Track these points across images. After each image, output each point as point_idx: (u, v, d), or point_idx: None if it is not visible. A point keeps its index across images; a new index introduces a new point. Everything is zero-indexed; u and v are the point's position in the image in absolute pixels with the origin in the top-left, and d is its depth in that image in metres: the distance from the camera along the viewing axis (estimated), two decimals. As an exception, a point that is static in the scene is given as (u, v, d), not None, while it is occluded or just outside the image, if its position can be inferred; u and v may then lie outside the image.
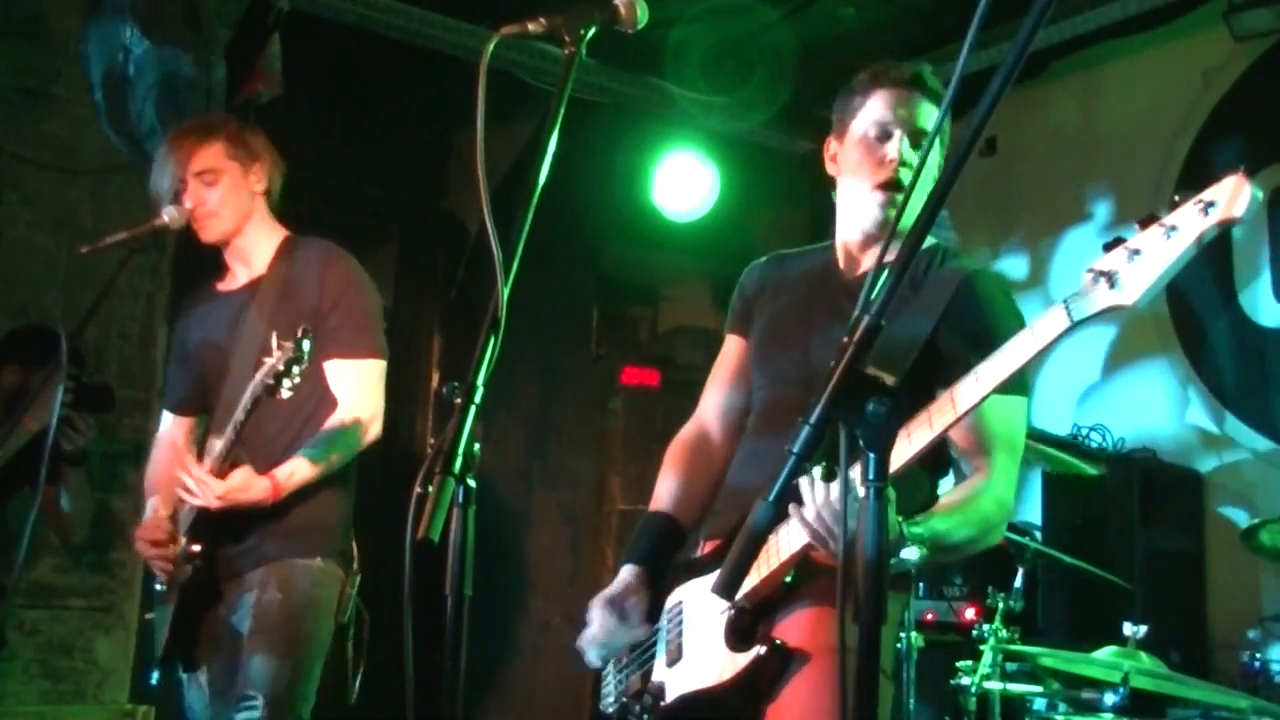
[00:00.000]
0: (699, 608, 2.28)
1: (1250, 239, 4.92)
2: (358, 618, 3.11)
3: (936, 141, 2.33)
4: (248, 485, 2.90)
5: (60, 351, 3.06)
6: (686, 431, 2.63)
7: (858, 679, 1.41)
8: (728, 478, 2.46)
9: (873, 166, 2.33)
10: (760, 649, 2.13)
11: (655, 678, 2.34)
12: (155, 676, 3.07)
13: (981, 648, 3.76)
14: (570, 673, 6.09)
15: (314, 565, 3.00)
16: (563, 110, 1.94)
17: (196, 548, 2.97)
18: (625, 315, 6.80)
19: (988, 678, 3.72)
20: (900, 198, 2.28)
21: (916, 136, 2.32)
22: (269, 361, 2.85)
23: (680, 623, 2.32)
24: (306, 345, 2.83)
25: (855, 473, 1.52)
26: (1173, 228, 1.49)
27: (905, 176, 2.29)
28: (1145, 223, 1.53)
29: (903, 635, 3.54)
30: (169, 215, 3.10)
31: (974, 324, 2.19)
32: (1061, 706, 3.85)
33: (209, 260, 3.32)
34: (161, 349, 4.94)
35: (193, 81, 4.61)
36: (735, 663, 2.16)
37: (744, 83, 5.84)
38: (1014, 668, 3.83)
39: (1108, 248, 1.56)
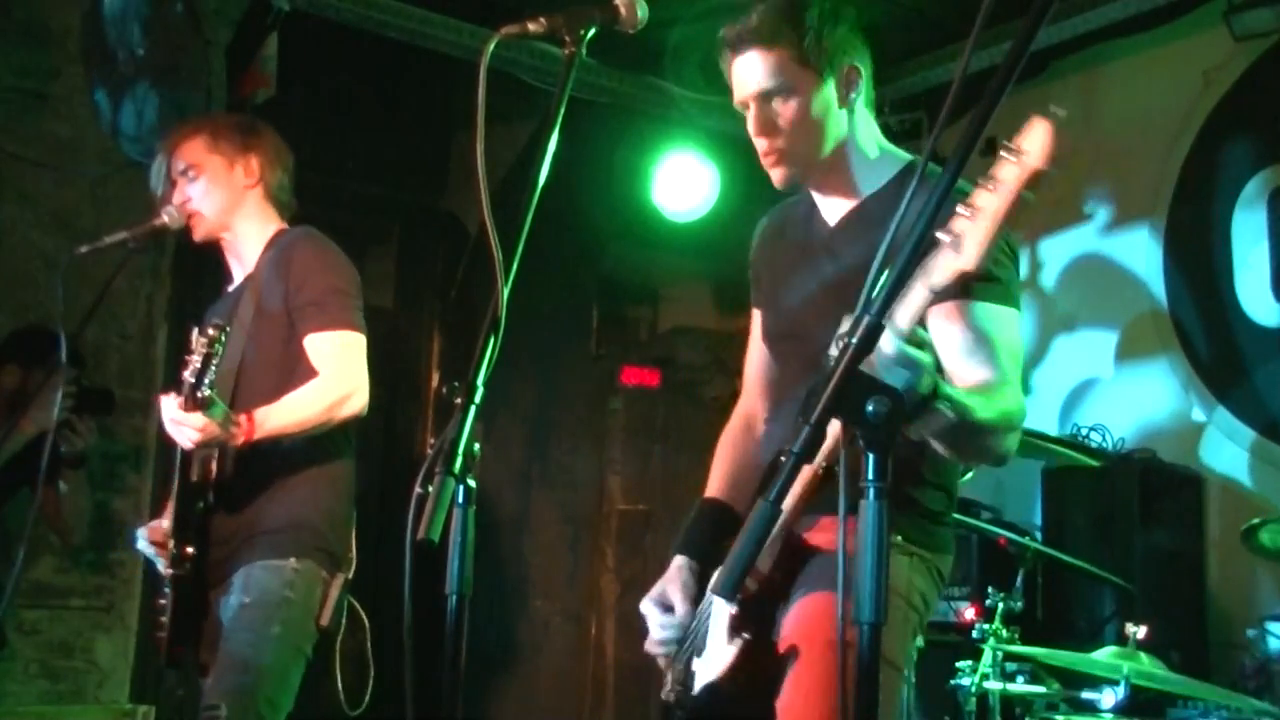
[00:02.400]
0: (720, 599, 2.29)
1: (1250, 238, 4.92)
2: (355, 624, 3.06)
3: (812, 79, 2.24)
4: (221, 419, 2.83)
5: (60, 351, 3.05)
6: (734, 417, 2.63)
7: (859, 677, 1.41)
8: (765, 453, 2.43)
9: (753, 140, 2.31)
10: (744, 636, 2.15)
11: (693, 667, 2.36)
12: (172, 677, 3.04)
13: (981, 648, 3.76)
14: (570, 672, 6.09)
15: (286, 566, 2.93)
16: (563, 110, 1.94)
17: (189, 549, 2.93)
18: (625, 315, 6.80)
19: (988, 678, 3.72)
20: (776, 159, 2.27)
21: (764, 96, 2.25)
22: (189, 359, 2.83)
23: (708, 615, 2.33)
24: (223, 341, 2.81)
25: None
26: (996, 181, 1.51)
27: (771, 144, 2.26)
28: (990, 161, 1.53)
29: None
30: (168, 215, 3.10)
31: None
32: (1061, 706, 3.85)
33: (209, 260, 3.32)
34: (161, 349, 4.93)
35: (192, 82, 4.62)
36: (727, 653, 2.18)
37: (744, 83, 5.83)
38: (1014, 668, 3.83)
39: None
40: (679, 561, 2.42)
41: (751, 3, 2.30)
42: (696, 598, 2.38)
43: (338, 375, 2.99)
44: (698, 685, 2.29)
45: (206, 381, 2.78)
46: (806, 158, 2.28)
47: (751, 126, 2.28)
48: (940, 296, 2.02)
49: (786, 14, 2.25)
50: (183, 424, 2.82)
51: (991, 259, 2.14)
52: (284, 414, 2.92)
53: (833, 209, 2.35)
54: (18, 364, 3.91)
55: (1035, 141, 1.47)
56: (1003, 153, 1.49)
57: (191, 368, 2.81)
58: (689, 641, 2.39)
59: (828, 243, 2.33)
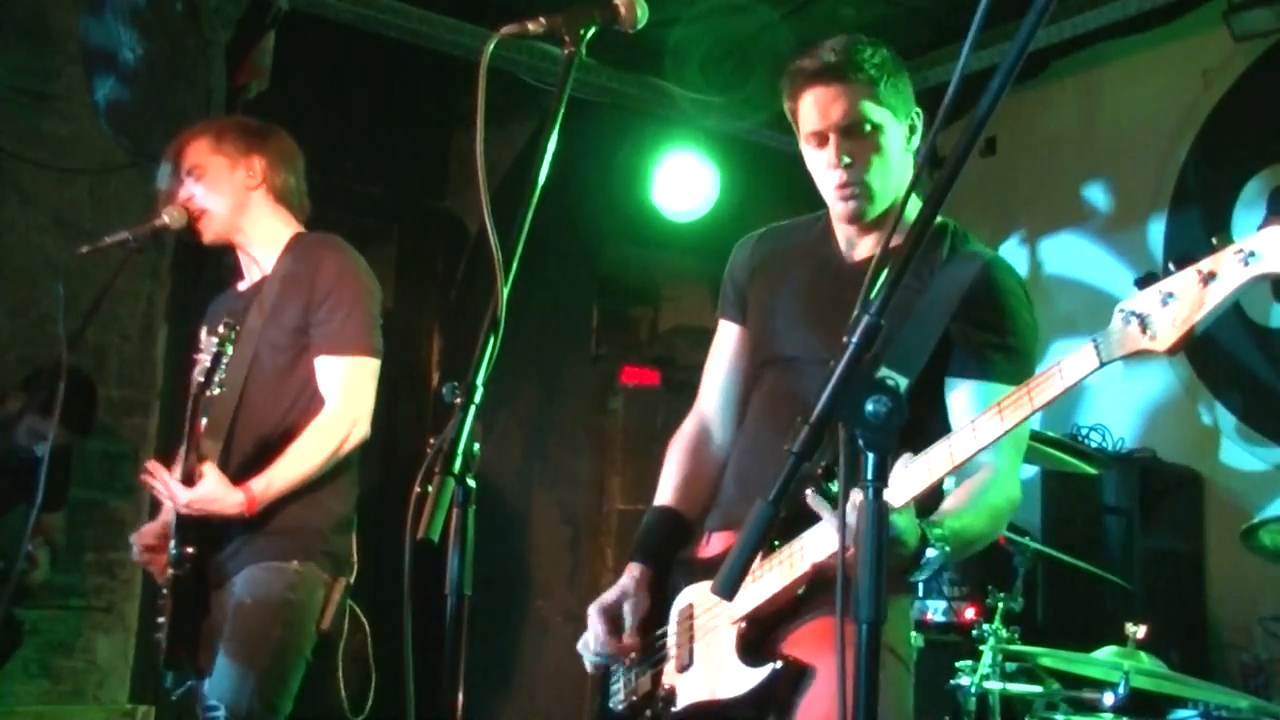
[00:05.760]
0: (709, 612, 2.26)
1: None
2: (355, 627, 3.05)
3: (889, 119, 2.28)
4: (216, 496, 2.83)
5: (61, 351, 3.05)
6: (687, 425, 2.60)
7: (861, 679, 1.41)
8: (733, 466, 2.43)
9: (822, 172, 2.32)
10: (776, 664, 2.11)
11: (666, 681, 2.32)
12: (169, 678, 3.03)
13: (981, 648, 3.76)
14: (570, 672, 6.09)
15: (290, 568, 2.92)
16: (563, 110, 1.94)
17: (189, 550, 2.90)
18: (625, 315, 6.81)
19: (987, 678, 3.72)
20: (858, 192, 2.27)
21: (850, 130, 2.26)
22: (199, 358, 2.83)
23: (691, 627, 2.30)
24: (231, 339, 2.81)
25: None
26: (1211, 275, 1.43)
27: (852, 175, 2.26)
28: (1181, 263, 1.45)
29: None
30: (168, 215, 3.09)
31: (990, 319, 2.19)
32: (1061, 706, 3.85)
33: (209, 260, 3.32)
34: (162, 349, 4.94)
35: (192, 81, 4.62)
36: (749, 677, 2.14)
37: (744, 83, 5.84)
38: (1014, 668, 3.83)
39: (1140, 284, 1.49)
40: (636, 570, 2.40)
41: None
42: (649, 617, 2.35)
43: (341, 411, 2.97)
44: (687, 699, 2.25)
45: (216, 380, 2.79)
46: (884, 197, 2.28)
47: (829, 158, 2.27)
48: (961, 374, 2.15)
49: (866, 54, 2.28)
50: (171, 498, 2.84)
51: (1014, 325, 2.18)
52: (286, 473, 2.92)
53: (862, 245, 2.35)
54: (22, 389, 3.95)
55: (1272, 244, 1.41)
56: (1225, 248, 1.41)
57: (200, 366, 2.82)
58: (651, 652, 2.37)
59: (859, 278, 2.28)
